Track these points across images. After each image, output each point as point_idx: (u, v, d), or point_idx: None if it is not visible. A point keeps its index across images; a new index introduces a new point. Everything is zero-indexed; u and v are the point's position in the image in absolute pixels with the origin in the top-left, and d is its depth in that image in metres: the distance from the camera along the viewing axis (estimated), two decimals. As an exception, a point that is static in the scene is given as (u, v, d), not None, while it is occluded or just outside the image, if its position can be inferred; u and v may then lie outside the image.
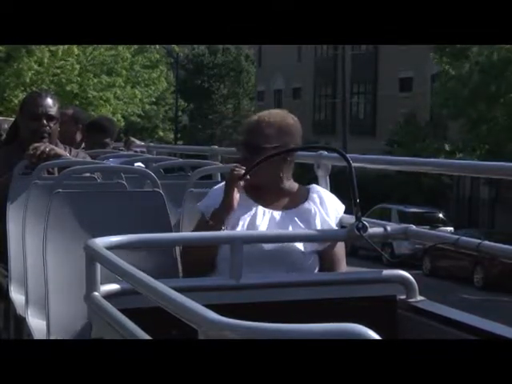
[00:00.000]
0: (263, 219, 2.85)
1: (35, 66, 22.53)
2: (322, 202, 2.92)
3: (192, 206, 3.16)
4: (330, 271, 2.88)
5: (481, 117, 24.12)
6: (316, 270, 2.87)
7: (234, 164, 3.00)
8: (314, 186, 3.02)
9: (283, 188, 2.94)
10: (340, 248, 2.94)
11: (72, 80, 23.40)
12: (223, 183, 2.98)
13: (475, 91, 23.53)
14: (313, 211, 2.89)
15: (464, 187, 30.97)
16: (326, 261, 2.88)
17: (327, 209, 2.91)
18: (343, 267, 2.95)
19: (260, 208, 2.87)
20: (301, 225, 2.85)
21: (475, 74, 23.64)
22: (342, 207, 2.98)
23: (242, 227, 2.82)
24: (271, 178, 2.90)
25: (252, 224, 2.84)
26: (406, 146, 27.58)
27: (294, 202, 2.92)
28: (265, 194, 2.89)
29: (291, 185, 2.97)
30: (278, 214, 2.87)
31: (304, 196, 2.93)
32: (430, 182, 29.29)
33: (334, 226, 2.91)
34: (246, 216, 2.85)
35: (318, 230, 2.84)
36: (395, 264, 3.01)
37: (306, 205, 2.90)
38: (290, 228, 2.84)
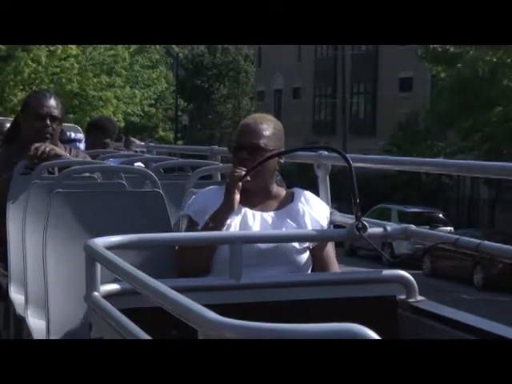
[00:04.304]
0: (254, 221, 2.90)
1: (33, 65, 22.52)
2: (308, 203, 2.98)
3: None
4: (322, 269, 2.93)
5: (473, 126, 24.15)
6: (309, 265, 2.90)
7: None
8: (298, 189, 3.07)
9: (271, 191, 2.99)
10: (329, 246, 3.01)
11: (72, 79, 23.40)
12: (209, 188, 3.05)
13: (467, 99, 23.52)
14: (301, 211, 2.94)
15: (464, 187, 30.97)
16: (316, 258, 2.93)
17: (314, 208, 2.97)
18: (334, 264, 3.00)
19: (249, 211, 2.91)
20: (292, 224, 2.90)
21: (468, 78, 23.65)
22: (328, 207, 3.07)
23: (234, 229, 2.84)
24: (264, 182, 2.94)
25: (244, 226, 2.87)
26: (404, 150, 27.53)
27: (281, 203, 2.98)
28: (253, 197, 2.92)
29: (276, 188, 3.03)
30: (268, 216, 2.92)
31: (290, 198, 3.00)
32: (429, 182, 29.30)
33: (324, 225, 2.96)
34: (236, 219, 2.89)
35: (317, 230, 2.85)
36: (395, 264, 3.01)
37: (294, 205, 2.96)
38: (283, 228, 2.88)
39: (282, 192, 3.03)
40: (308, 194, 3.03)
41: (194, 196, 3.05)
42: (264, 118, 3.00)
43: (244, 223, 2.88)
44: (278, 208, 2.95)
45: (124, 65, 25.96)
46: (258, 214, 2.91)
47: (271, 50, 40.93)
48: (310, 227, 2.91)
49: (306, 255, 2.88)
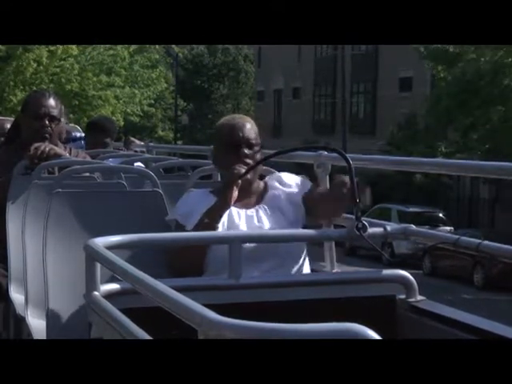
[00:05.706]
0: (240, 219, 2.93)
1: (34, 65, 22.53)
2: (280, 182, 3.04)
3: None
4: (317, 209, 2.96)
5: (473, 124, 24.13)
6: (303, 253, 2.93)
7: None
8: (270, 176, 3.14)
9: (252, 188, 3.02)
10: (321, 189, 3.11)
11: (71, 79, 23.41)
12: (192, 191, 3.07)
13: (467, 98, 23.49)
14: (277, 194, 3.01)
15: (464, 187, 30.96)
16: (311, 202, 2.97)
17: (287, 184, 3.03)
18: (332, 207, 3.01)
19: (233, 209, 2.92)
20: (274, 213, 2.95)
21: (468, 76, 23.62)
22: (298, 177, 3.09)
23: (222, 228, 2.85)
24: (251, 180, 2.95)
25: (231, 224, 2.90)
26: (404, 149, 27.53)
27: (260, 196, 3.03)
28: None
29: (257, 183, 3.07)
30: (251, 212, 2.96)
31: (266, 187, 3.05)
32: (429, 182, 29.29)
33: (298, 191, 3.00)
34: (223, 217, 2.89)
35: (317, 230, 2.85)
36: (395, 264, 3.01)
37: (270, 193, 3.02)
38: (267, 220, 2.93)
39: (259, 184, 3.07)
40: (276, 175, 3.10)
41: (180, 201, 3.05)
42: (243, 117, 3.10)
43: (231, 221, 2.90)
44: (258, 202, 2.99)
45: (123, 64, 25.97)
46: (242, 211, 2.95)
47: (271, 49, 40.93)
48: (289, 205, 2.96)
49: (298, 244, 2.89)
